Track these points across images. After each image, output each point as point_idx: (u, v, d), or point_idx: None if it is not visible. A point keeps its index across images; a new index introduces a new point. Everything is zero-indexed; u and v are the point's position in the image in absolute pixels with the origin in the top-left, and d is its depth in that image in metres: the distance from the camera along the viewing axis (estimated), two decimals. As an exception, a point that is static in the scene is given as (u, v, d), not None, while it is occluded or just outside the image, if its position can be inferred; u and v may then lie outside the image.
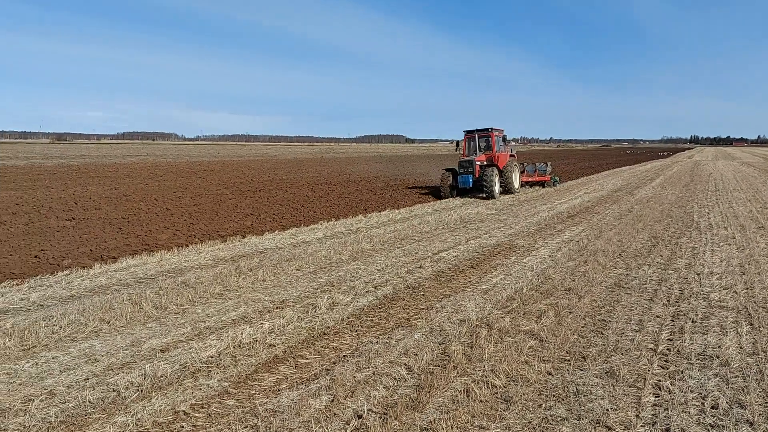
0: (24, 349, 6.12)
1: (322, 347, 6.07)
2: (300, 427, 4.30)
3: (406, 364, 5.45)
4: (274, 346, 6.10)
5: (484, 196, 21.80)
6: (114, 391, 5.00)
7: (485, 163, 23.35)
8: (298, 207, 19.16)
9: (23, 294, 8.36)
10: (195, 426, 4.39)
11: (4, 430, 4.35)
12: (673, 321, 6.74)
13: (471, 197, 22.52)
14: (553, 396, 4.81)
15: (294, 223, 15.49)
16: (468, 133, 24.84)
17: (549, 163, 27.74)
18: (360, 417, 4.43)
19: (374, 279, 8.88)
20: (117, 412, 4.61)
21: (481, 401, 4.69)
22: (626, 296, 7.78)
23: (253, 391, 5.01)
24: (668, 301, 7.57)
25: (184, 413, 4.59)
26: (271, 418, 4.45)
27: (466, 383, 5.01)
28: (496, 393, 4.85)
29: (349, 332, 6.53)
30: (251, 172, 37.98)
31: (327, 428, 4.27)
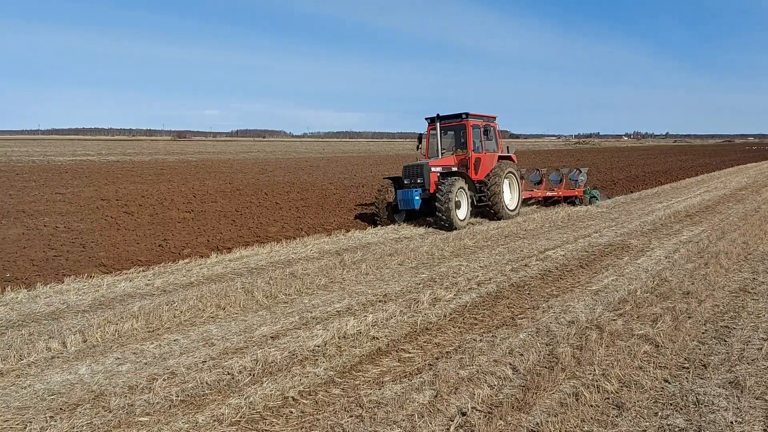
0: (149, 331, 6.60)
1: (424, 342, 6.07)
2: (404, 420, 4.31)
3: (511, 364, 5.33)
4: (378, 338, 6.17)
5: (444, 223, 13.42)
6: (229, 374, 5.27)
7: (453, 168, 14.98)
8: (400, 202, 19.29)
9: (148, 280, 9.03)
10: (303, 412, 4.53)
11: (131, 405, 4.70)
12: (808, 331, 6.12)
13: (421, 225, 14.54)
14: (671, 404, 4.51)
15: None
16: (431, 122, 15.76)
17: (584, 170, 18.90)
18: (464, 414, 4.38)
19: (477, 276, 8.77)
20: (231, 395, 4.85)
21: (591, 406, 4.49)
22: (753, 302, 7.15)
23: (357, 382, 5.09)
24: (803, 309, 6.88)
25: (293, 399, 4.76)
26: (376, 410, 4.50)
27: (575, 386, 4.82)
28: (608, 398, 4.63)
29: (452, 328, 6.49)
30: (355, 167, 38.74)
31: (431, 423, 4.26)
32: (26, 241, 12.02)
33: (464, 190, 14.10)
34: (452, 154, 15.68)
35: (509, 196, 15.94)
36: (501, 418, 4.29)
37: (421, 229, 13.94)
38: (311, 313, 7.14)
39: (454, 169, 14.98)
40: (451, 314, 6.99)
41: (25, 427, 4.35)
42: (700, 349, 5.67)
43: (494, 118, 16.42)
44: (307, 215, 16.31)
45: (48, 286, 8.65)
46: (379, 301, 7.59)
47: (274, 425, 4.34)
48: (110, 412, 4.58)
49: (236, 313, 7.22)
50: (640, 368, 5.19)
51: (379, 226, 14.41)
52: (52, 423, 4.40)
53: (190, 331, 6.56)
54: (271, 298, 7.84)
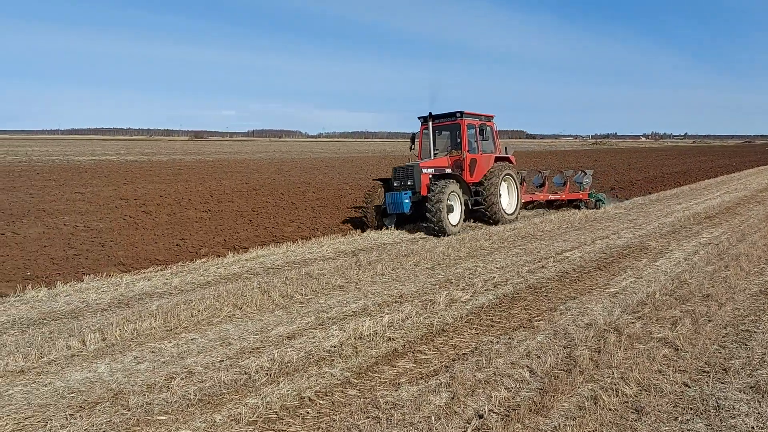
0: (167, 330, 6.66)
1: (440, 344, 6.05)
2: (420, 422, 4.30)
3: (528, 366, 5.29)
4: (394, 339, 6.16)
5: (435, 229, 12.76)
6: (245, 373, 5.29)
7: (447, 170, 14.23)
8: (416, 203, 19.25)
9: (166, 279, 9.11)
10: (319, 413, 4.54)
11: (149, 404, 4.73)
12: (832, 335, 6.00)
13: (409, 230, 13.76)
14: (691, 409, 4.46)
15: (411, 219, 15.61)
16: (424, 121, 15.01)
17: (589, 172, 18.00)
18: (481, 417, 4.36)
19: (494, 277, 8.72)
20: (248, 394, 4.87)
21: (610, 410, 4.44)
22: (775, 305, 7.04)
23: (373, 383, 5.09)
24: (826, 313, 6.76)
25: (309, 399, 4.76)
26: (392, 411, 4.49)
27: (593, 390, 4.78)
28: (627, 402, 4.58)
29: (468, 330, 6.46)
30: (370, 167, 38.76)
31: (447, 425, 4.24)
32: (46, 240, 12.19)
33: (457, 193, 13.39)
34: (446, 154, 14.85)
35: (507, 199, 15.22)
36: (518, 421, 4.26)
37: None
38: (327, 313, 7.15)
39: (448, 170, 14.19)
40: (467, 316, 6.96)
41: (46, 425, 4.40)
42: (720, 352, 5.59)
43: (491, 117, 15.65)
44: (322, 215, 16.35)
45: (68, 284, 8.76)
46: (395, 302, 7.58)
47: (290, 425, 4.35)
48: (129, 410, 4.62)
49: (253, 313, 7.25)
50: (660, 372, 5.13)
51: (369, 231, 13.70)
52: (72, 421, 4.45)
53: (207, 331, 6.60)
54: (287, 298, 7.86)
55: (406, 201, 13.15)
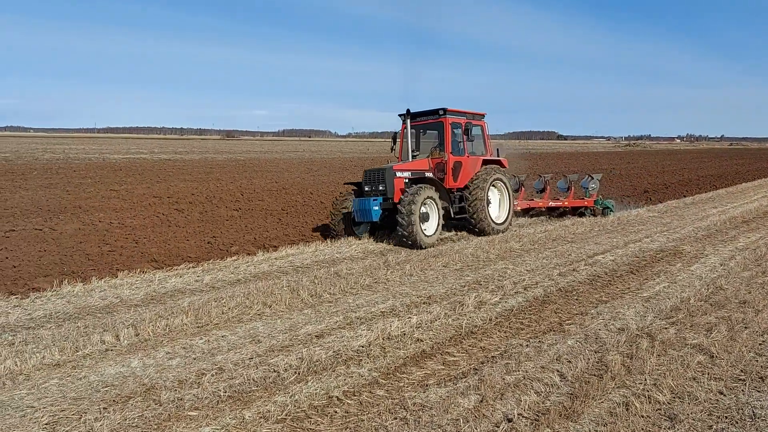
0: (198, 327, 6.75)
1: (469, 346, 6.01)
2: (448, 425, 4.28)
3: (558, 371, 5.22)
4: (422, 341, 6.15)
5: (407, 241, 11.42)
6: (274, 371, 5.33)
7: (428, 173, 12.91)
8: (445, 203, 19.16)
9: (198, 276, 9.24)
10: (347, 412, 4.54)
11: (180, 399, 4.80)
12: None
13: (385, 240, 12.39)
14: (726, 418, 4.34)
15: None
16: (404, 119, 13.36)
17: (597, 177, 16.54)
18: (510, 420, 4.31)
19: (524, 280, 8.64)
20: (277, 392, 4.91)
21: (642, 416, 4.36)
22: (815, 313, 6.82)
23: (401, 384, 5.08)
24: None
25: (338, 399, 4.78)
26: (420, 413, 4.48)
27: (625, 396, 4.69)
28: (660, 409, 4.48)
29: (498, 333, 6.41)
30: (399, 168, 38.74)
31: (476, 428, 4.21)
32: (82, 236, 12.48)
33: (434, 199, 11.87)
34: (427, 156, 13.48)
35: (496, 206, 13.74)
36: (548, 426, 4.21)
37: (465, 231, 13.77)
38: (355, 312, 7.16)
39: (429, 174, 12.82)
40: (496, 318, 6.90)
41: (80, 417, 4.50)
42: (757, 360, 5.44)
43: (482, 115, 14.08)
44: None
45: (102, 280, 8.95)
46: (424, 303, 7.56)
47: (318, 424, 4.37)
48: (161, 405, 4.69)
49: (282, 311, 7.31)
50: (694, 379, 5.02)
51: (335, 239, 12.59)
52: (106, 414, 4.54)
53: (237, 328, 6.67)
54: (315, 297, 7.91)
55: (375, 208, 11.81)
